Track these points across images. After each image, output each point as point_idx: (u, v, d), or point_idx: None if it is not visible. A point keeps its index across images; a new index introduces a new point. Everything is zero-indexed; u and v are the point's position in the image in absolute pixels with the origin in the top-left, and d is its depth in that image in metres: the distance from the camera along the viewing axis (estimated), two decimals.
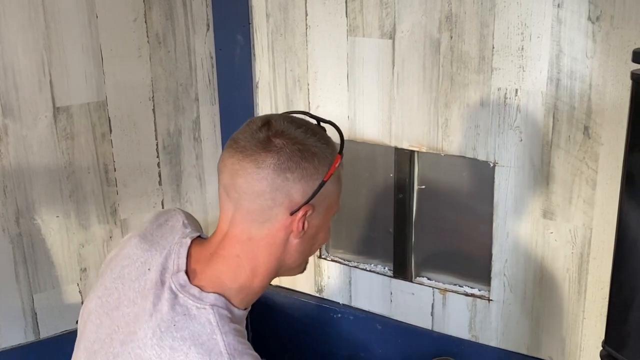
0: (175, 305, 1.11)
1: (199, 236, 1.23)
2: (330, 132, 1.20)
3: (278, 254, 1.17)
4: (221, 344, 1.07)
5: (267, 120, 1.13)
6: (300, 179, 1.12)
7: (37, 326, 2.06)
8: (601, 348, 1.36)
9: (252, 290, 1.18)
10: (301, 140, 1.12)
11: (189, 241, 1.19)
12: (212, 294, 1.13)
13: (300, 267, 1.23)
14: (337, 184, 1.18)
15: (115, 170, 2.10)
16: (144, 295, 1.15)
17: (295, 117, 1.17)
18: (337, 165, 1.15)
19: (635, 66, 1.18)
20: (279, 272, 1.20)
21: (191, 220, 1.29)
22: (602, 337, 1.37)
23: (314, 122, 1.19)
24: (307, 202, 1.13)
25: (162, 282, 1.15)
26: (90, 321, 1.20)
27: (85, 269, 2.11)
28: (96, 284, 1.25)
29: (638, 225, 1.21)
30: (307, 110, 1.16)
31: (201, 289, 1.13)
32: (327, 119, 1.21)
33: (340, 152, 1.17)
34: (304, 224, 1.14)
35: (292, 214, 1.13)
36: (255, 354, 1.12)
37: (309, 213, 1.14)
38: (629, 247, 1.23)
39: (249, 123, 1.16)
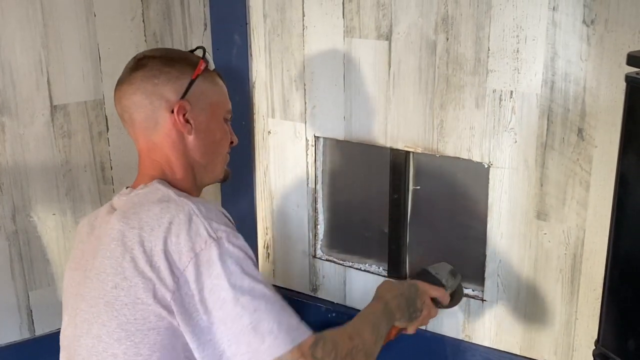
0: (128, 199, 1.30)
1: None
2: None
3: (182, 151, 1.36)
4: (171, 193, 1.26)
5: (139, 54, 1.39)
6: (168, 81, 1.33)
7: (33, 323, 2.07)
8: (594, 348, 1.37)
9: (181, 184, 1.35)
10: (162, 54, 1.38)
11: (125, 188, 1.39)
12: (155, 180, 1.32)
13: (215, 171, 1.43)
14: (211, 84, 1.40)
15: (111, 169, 2.11)
16: (102, 222, 1.33)
17: (160, 48, 1.50)
18: (201, 67, 1.36)
19: (630, 69, 1.19)
20: (195, 171, 1.38)
21: None
22: (595, 337, 1.38)
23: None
24: (181, 98, 1.33)
25: (112, 207, 1.34)
26: (70, 285, 1.36)
27: None
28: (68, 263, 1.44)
29: (631, 226, 1.23)
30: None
31: (144, 184, 1.33)
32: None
33: (204, 58, 1.38)
34: (185, 118, 1.34)
35: (172, 112, 1.33)
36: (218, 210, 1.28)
37: (188, 108, 1.34)
38: (622, 248, 1.24)
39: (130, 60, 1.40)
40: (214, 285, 1.13)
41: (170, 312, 1.15)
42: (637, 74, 1.16)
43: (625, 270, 1.24)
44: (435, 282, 1.68)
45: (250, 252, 1.22)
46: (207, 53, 1.42)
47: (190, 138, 1.36)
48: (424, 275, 1.70)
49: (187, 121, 1.35)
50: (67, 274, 1.40)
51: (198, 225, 1.17)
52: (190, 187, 1.37)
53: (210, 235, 1.17)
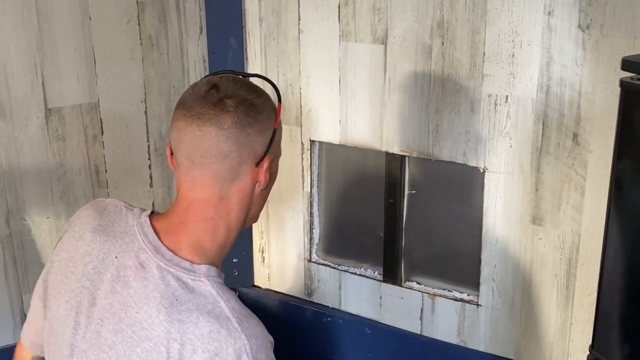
0: (171, 282, 1.14)
1: (152, 212, 1.25)
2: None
3: (247, 207, 1.23)
4: (226, 309, 1.12)
5: (213, 84, 1.18)
6: (259, 131, 1.18)
7: None
8: (588, 353, 1.37)
9: (227, 247, 1.24)
10: (249, 96, 1.18)
11: (147, 219, 1.21)
12: (203, 265, 1.16)
13: (258, 215, 1.31)
14: (281, 130, 1.26)
15: (106, 172, 2.10)
16: (124, 283, 1.16)
17: (232, 76, 1.23)
18: (280, 111, 1.23)
19: (625, 74, 1.20)
20: (245, 224, 1.26)
21: (128, 202, 1.31)
22: (590, 342, 1.38)
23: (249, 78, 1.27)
24: (267, 151, 1.20)
25: (142, 264, 1.16)
26: (64, 326, 1.19)
27: None
28: (53, 291, 1.23)
29: (625, 231, 1.22)
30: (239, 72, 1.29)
31: (190, 261, 1.16)
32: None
33: (280, 100, 1.25)
34: (269, 172, 1.22)
35: (257, 165, 1.20)
36: (256, 316, 1.18)
37: (271, 160, 1.22)
38: (617, 253, 1.24)
39: (194, 88, 1.20)
40: None
41: None
42: (632, 79, 1.17)
43: (619, 275, 1.23)
44: None
45: None
46: (275, 86, 1.29)
47: (259, 191, 1.23)
48: None
49: (269, 174, 1.23)
50: (61, 301, 1.22)
51: None
52: (232, 244, 1.25)
53: None
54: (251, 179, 1.20)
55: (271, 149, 1.21)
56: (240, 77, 1.23)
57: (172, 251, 1.17)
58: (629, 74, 1.18)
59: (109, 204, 1.28)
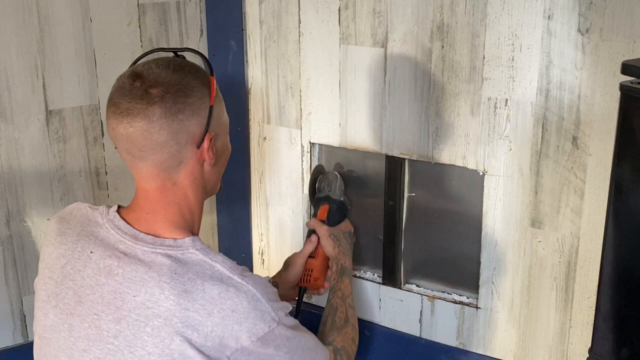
0: (163, 260, 1.16)
1: (119, 206, 1.27)
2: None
3: (201, 185, 1.26)
4: (224, 270, 1.17)
5: (137, 73, 1.18)
6: (192, 113, 1.18)
7: (26, 329, 2.06)
8: (587, 356, 1.37)
9: (199, 218, 1.27)
10: (176, 79, 1.18)
11: (116, 213, 1.24)
12: (186, 238, 1.20)
13: (218, 186, 1.34)
14: (219, 102, 1.26)
15: (106, 174, 2.11)
16: (108, 272, 1.17)
17: (159, 59, 1.22)
18: (214, 87, 1.22)
19: (625, 78, 1.20)
20: (205, 196, 1.29)
21: (91, 204, 1.33)
22: (589, 345, 1.38)
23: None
24: (206, 131, 1.20)
25: (125, 253, 1.18)
26: (57, 332, 1.20)
27: None
28: (38, 303, 1.25)
29: (625, 234, 1.23)
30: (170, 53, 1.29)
31: (172, 238, 1.19)
32: (182, 47, 1.31)
33: (212, 74, 1.24)
34: (212, 150, 1.23)
35: (198, 147, 1.21)
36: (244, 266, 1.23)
37: (212, 139, 1.23)
38: (616, 256, 1.25)
39: (119, 81, 1.20)
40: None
41: None
42: (632, 82, 1.17)
43: (619, 278, 1.24)
44: (342, 206, 1.93)
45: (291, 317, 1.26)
46: (207, 59, 1.28)
47: (209, 168, 1.26)
48: (331, 202, 1.91)
49: (213, 152, 1.25)
50: (47, 308, 1.22)
51: (262, 312, 1.16)
52: (200, 214, 1.28)
53: (273, 320, 1.19)
54: (196, 161, 1.22)
55: (210, 127, 1.21)
56: (166, 58, 1.22)
57: (151, 235, 1.19)
58: (628, 78, 1.19)
59: (73, 209, 1.30)
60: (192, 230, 1.26)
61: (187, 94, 1.18)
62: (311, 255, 1.82)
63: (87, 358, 1.17)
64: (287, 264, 1.79)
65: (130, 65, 1.27)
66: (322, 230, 1.80)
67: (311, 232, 1.87)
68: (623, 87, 1.18)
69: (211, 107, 1.21)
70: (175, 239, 1.19)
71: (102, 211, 1.26)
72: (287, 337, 1.22)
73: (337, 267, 1.72)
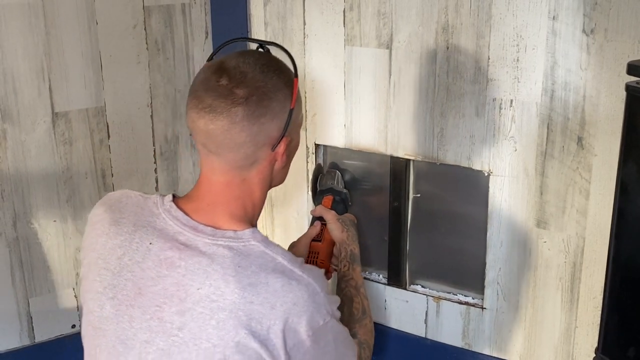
0: (225, 253, 1.16)
1: (173, 196, 1.26)
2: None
3: (268, 182, 1.26)
4: (285, 262, 1.17)
5: (223, 70, 1.17)
6: (273, 117, 1.18)
7: (33, 330, 2.07)
8: (594, 356, 1.37)
9: (259, 211, 1.28)
10: (261, 81, 1.17)
11: (172, 203, 1.22)
12: (246, 230, 1.20)
13: (284, 180, 1.34)
14: (299, 103, 1.25)
15: (112, 176, 2.11)
16: (170, 264, 1.16)
17: (246, 54, 1.21)
18: (297, 89, 1.21)
19: (630, 78, 1.20)
20: (270, 188, 1.30)
21: (139, 192, 1.32)
22: (594, 345, 1.38)
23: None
24: (284, 135, 1.20)
25: (186, 245, 1.17)
26: (115, 323, 1.19)
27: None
28: (91, 294, 1.22)
29: (632, 234, 1.23)
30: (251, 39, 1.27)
31: (233, 230, 1.19)
32: (269, 41, 1.30)
33: (296, 75, 1.23)
34: (286, 153, 1.24)
35: (273, 149, 1.21)
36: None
37: (288, 142, 1.23)
38: (623, 256, 1.25)
39: (204, 75, 1.18)
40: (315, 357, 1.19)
41: None
42: (638, 83, 1.17)
43: (625, 278, 1.24)
44: (346, 198, 1.93)
45: None
46: (293, 58, 1.27)
47: (279, 168, 1.27)
48: (335, 193, 1.92)
49: (286, 155, 1.26)
50: (102, 299, 1.20)
51: (320, 305, 1.17)
52: (261, 207, 1.29)
53: (328, 313, 1.19)
54: (269, 162, 1.23)
55: (287, 130, 1.21)
56: (253, 55, 1.21)
57: (211, 227, 1.19)
58: (634, 78, 1.19)
59: (121, 196, 1.28)
60: (252, 222, 1.27)
61: (270, 97, 1.17)
62: (316, 239, 1.76)
63: (149, 349, 1.16)
64: (291, 246, 1.77)
65: (212, 55, 1.27)
66: (330, 215, 1.75)
67: (315, 219, 1.83)
68: (629, 88, 1.18)
69: (291, 110, 1.20)
70: (235, 230, 1.19)
71: (155, 200, 1.24)
72: (337, 331, 1.23)
73: (347, 253, 1.69)
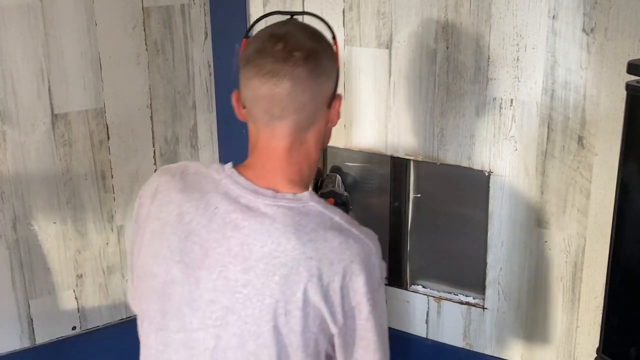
0: (285, 212, 1.20)
1: (233, 164, 1.30)
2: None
3: (322, 143, 1.31)
4: (342, 222, 1.21)
5: (278, 36, 1.22)
6: (328, 76, 1.25)
7: (33, 332, 2.07)
8: (595, 356, 1.37)
9: (309, 180, 1.32)
10: (313, 44, 1.23)
11: (234, 170, 1.26)
12: (304, 193, 1.23)
13: (328, 142, 1.38)
14: (339, 66, 1.32)
15: (112, 177, 2.11)
16: (234, 225, 1.20)
17: (287, 23, 1.27)
18: (339, 51, 1.29)
19: (630, 77, 1.20)
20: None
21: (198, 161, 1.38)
22: (596, 345, 1.38)
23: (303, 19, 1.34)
24: (335, 91, 1.27)
25: (248, 206, 1.21)
26: (181, 285, 1.22)
27: (81, 275, 2.12)
28: (157, 259, 1.25)
29: (632, 234, 1.23)
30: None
31: (292, 193, 1.22)
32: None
33: (335, 38, 1.30)
34: (339, 110, 1.29)
35: (329, 107, 1.26)
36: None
37: (340, 99, 1.28)
38: (624, 256, 1.24)
39: (257, 44, 1.23)
40: (374, 323, 1.21)
41: (331, 343, 1.20)
42: (638, 82, 1.17)
43: (626, 278, 1.24)
44: (346, 201, 1.93)
45: None
46: (328, 23, 1.36)
47: (331, 127, 1.32)
48: (336, 196, 1.91)
49: (339, 113, 1.31)
50: (169, 264, 1.24)
51: (375, 266, 1.20)
52: (314, 171, 1.34)
53: (382, 276, 1.22)
54: (325, 122, 1.28)
55: (337, 88, 1.28)
56: (301, 24, 1.27)
57: (271, 190, 1.22)
58: (634, 78, 1.19)
59: (185, 167, 1.31)
60: (307, 186, 1.31)
61: (323, 58, 1.24)
62: None
63: (213, 308, 1.20)
64: None
65: (249, 29, 1.34)
66: None
67: None
68: (629, 87, 1.18)
69: (338, 70, 1.28)
70: (294, 193, 1.23)
71: (216, 168, 1.28)
72: (383, 298, 1.26)
73: None
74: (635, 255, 1.21)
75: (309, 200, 1.22)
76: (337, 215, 1.22)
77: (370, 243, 1.21)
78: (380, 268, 1.22)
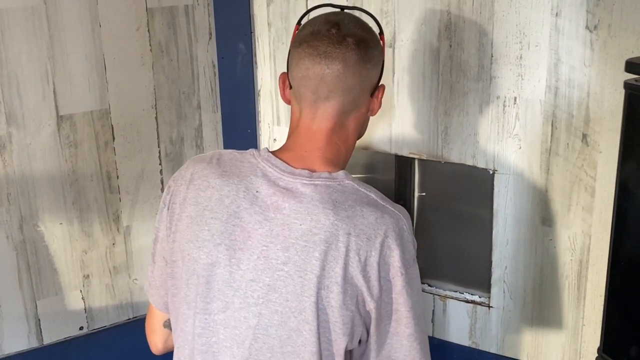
0: (322, 190, 1.24)
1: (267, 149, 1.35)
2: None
3: (360, 130, 1.37)
4: (377, 199, 1.26)
5: (333, 22, 1.28)
6: (375, 65, 1.31)
7: (41, 332, 2.08)
8: (597, 355, 1.36)
9: (349, 158, 1.37)
10: (364, 34, 1.30)
11: (270, 153, 1.30)
12: (339, 172, 1.27)
13: (365, 132, 1.44)
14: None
15: (118, 178, 2.12)
16: (276, 207, 1.24)
17: (341, 13, 1.33)
18: (384, 44, 1.37)
19: (629, 76, 1.19)
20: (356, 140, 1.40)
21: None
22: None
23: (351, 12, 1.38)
24: (379, 82, 1.35)
25: (287, 188, 1.25)
26: (222, 267, 1.25)
27: (88, 275, 2.13)
28: (198, 243, 1.27)
29: (633, 233, 1.22)
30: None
31: (328, 172, 1.27)
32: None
33: (382, 32, 1.38)
34: (381, 100, 1.36)
35: (372, 95, 1.33)
36: None
37: (383, 89, 1.36)
38: (624, 255, 1.24)
39: (312, 27, 1.29)
40: (406, 298, 1.23)
41: (367, 319, 1.23)
42: (637, 80, 1.16)
43: (626, 277, 1.23)
44: None
45: None
46: (375, 18, 1.42)
47: (370, 115, 1.38)
48: None
49: (380, 102, 1.37)
50: (209, 247, 1.26)
51: (409, 241, 1.24)
52: (350, 155, 1.38)
53: (414, 251, 1.26)
54: (366, 108, 1.34)
55: (381, 79, 1.35)
56: (354, 16, 1.33)
57: (307, 170, 1.27)
58: (633, 76, 1.18)
59: (220, 154, 1.35)
60: (345, 164, 1.36)
61: (372, 47, 1.30)
62: None
63: (254, 287, 1.23)
64: None
65: (302, 16, 1.41)
66: None
67: None
68: (627, 85, 1.17)
69: (383, 61, 1.35)
70: (329, 172, 1.27)
71: (253, 153, 1.32)
72: (417, 276, 1.28)
73: None
74: (635, 255, 1.20)
75: (344, 178, 1.26)
76: (372, 193, 1.26)
77: (404, 220, 1.25)
78: (413, 244, 1.25)
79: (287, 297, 1.21)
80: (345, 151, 1.34)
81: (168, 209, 1.34)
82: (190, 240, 1.28)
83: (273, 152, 1.31)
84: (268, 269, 1.22)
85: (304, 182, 1.25)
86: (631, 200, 1.18)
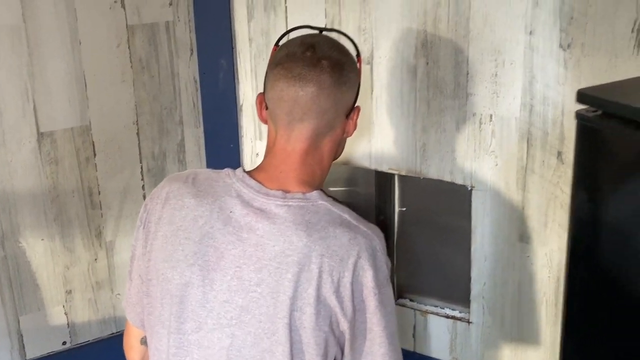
0: (295, 211, 1.24)
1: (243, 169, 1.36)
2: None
3: (335, 152, 1.37)
4: (351, 219, 1.26)
5: (308, 44, 1.30)
6: (350, 87, 1.32)
7: (24, 348, 2.09)
8: None
9: (324, 179, 1.37)
10: (339, 57, 1.31)
11: (245, 174, 1.31)
12: (313, 192, 1.28)
13: (341, 154, 1.44)
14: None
15: (99, 194, 2.12)
16: (249, 228, 1.25)
17: (317, 35, 1.36)
18: (361, 66, 1.38)
19: (581, 107, 1.19)
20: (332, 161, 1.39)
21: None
22: None
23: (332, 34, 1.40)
24: (355, 103, 1.34)
25: (261, 209, 1.26)
26: (195, 287, 1.25)
27: (70, 290, 2.13)
28: (171, 263, 1.28)
29: (585, 264, 1.21)
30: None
31: (301, 192, 1.27)
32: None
33: (359, 54, 1.38)
34: (356, 122, 1.36)
35: (347, 117, 1.33)
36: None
37: (359, 111, 1.35)
38: (578, 284, 1.23)
39: (288, 49, 1.31)
40: (380, 317, 1.24)
41: (341, 339, 1.24)
42: (587, 111, 1.16)
43: (581, 306, 1.22)
44: None
45: None
46: (352, 39, 1.43)
47: (346, 137, 1.38)
48: None
49: (356, 124, 1.37)
50: (182, 267, 1.26)
51: (382, 261, 1.24)
52: (325, 176, 1.38)
53: (388, 272, 1.26)
54: (341, 130, 1.33)
55: (357, 100, 1.35)
56: (330, 38, 1.34)
57: (281, 190, 1.27)
58: (584, 107, 1.17)
59: (196, 174, 1.36)
60: (320, 185, 1.36)
61: (348, 69, 1.31)
62: None
63: (228, 307, 1.24)
64: None
65: (278, 40, 1.42)
66: None
67: None
68: (579, 116, 1.16)
69: (359, 83, 1.35)
70: (303, 192, 1.27)
71: (228, 173, 1.33)
72: (390, 296, 1.28)
73: None
74: (587, 285, 1.20)
75: (317, 198, 1.27)
76: (345, 213, 1.26)
77: (377, 240, 1.25)
78: (386, 264, 1.25)
79: (260, 318, 1.21)
80: (320, 172, 1.34)
81: (144, 227, 1.34)
82: (164, 259, 1.29)
83: (248, 172, 1.32)
84: (241, 290, 1.23)
85: (278, 203, 1.25)
86: (584, 230, 1.18)
